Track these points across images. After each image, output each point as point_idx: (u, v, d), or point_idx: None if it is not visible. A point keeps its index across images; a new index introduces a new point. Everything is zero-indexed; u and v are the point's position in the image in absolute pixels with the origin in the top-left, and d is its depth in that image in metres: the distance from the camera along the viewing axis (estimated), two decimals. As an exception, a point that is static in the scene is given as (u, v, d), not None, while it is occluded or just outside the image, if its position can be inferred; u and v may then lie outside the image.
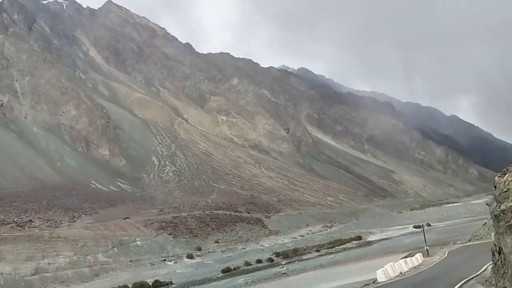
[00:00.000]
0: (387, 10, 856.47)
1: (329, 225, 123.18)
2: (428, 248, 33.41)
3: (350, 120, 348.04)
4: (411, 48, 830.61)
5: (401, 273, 31.85)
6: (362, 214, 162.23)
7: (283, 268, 62.20)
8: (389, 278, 31.17)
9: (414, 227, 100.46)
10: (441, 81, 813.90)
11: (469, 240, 51.86)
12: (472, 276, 26.49)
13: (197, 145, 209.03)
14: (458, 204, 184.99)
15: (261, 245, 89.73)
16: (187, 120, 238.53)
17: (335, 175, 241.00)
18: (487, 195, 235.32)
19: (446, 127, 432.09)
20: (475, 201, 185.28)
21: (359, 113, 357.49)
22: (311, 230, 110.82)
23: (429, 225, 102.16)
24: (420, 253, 30.82)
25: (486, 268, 26.82)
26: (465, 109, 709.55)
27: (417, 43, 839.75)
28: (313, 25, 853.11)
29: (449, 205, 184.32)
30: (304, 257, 70.98)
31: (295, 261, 67.79)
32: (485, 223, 65.73)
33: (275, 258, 70.90)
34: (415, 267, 30.99)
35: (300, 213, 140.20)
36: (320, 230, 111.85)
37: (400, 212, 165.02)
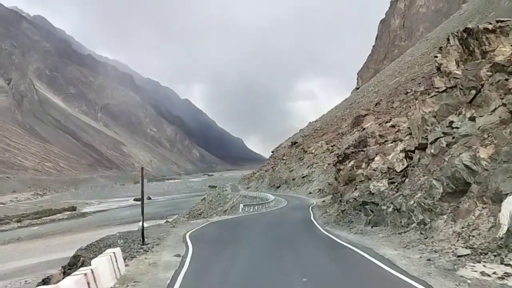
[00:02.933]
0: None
1: (41, 193, 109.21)
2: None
3: (86, 84, 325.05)
4: (161, 31, 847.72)
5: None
6: (83, 183, 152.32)
7: (-36, 242, 49.38)
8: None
9: (135, 200, 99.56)
10: (182, 67, 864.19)
11: (188, 214, 52.87)
12: None
13: None
14: (178, 180, 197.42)
15: None
16: None
17: (59, 140, 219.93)
18: (204, 174, 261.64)
19: (179, 109, 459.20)
20: (193, 179, 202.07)
21: (97, 79, 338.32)
22: (17, 198, 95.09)
23: (149, 198, 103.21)
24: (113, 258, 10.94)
25: None
26: (197, 96, 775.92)
27: (167, 29, 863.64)
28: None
29: (171, 181, 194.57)
30: (-1, 228, 58.86)
31: (-15, 233, 55.33)
32: (204, 198, 69.32)
33: (-44, 230, 56.15)
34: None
35: (8, 177, 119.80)
36: (28, 198, 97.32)
37: (123, 185, 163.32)
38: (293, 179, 52.53)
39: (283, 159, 63.16)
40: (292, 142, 69.30)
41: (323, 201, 34.86)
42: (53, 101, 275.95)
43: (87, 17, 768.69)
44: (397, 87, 59.34)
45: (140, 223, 16.88)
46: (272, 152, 72.82)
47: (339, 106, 72.16)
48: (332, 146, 52.50)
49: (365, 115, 51.75)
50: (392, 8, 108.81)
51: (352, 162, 22.44)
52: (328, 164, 47.99)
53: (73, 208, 78.72)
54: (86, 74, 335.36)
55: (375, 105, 56.89)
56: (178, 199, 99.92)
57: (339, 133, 54.80)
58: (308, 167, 52.06)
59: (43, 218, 67.46)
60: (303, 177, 50.39)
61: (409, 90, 51.23)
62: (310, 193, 45.54)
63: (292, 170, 54.72)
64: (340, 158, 26.47)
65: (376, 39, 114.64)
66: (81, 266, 14.41)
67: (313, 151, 55.46)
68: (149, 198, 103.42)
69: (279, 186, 55.56)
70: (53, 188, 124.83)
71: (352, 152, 24.19)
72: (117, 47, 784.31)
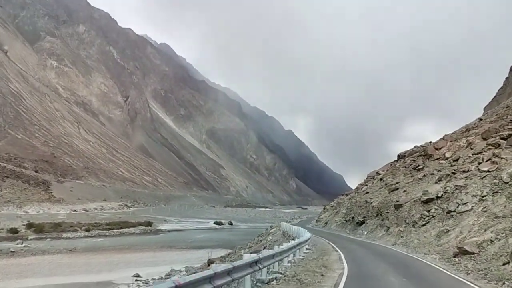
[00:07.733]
0: (260, 26, 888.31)
1: (129, 204, 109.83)
2: None
3: (196, 107, 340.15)
4: (273, 65, 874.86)
5: None
6: (175, 200, 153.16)
7: (22, 244, 46.97)
8: None
9: (215, 223, 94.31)
10: (289, 99, 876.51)
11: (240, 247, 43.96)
12: None
13: (8, 82, 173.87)
14: (269, 209, 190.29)
15: (24, 211, 71.88)
16: (6, 53, 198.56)
17: (163, 157, 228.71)
18: (297, 207, 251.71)
19: (281, 139, 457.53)
20: (285, 210, 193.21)
21: (207, 103, 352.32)
22: (102, 206, 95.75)
23: (230, 223, 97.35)
24: None
25: None
26: (301, 128, 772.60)
27: (279, 63, 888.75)
28: (188, 9, 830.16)
29: (262, 209, 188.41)
30: (64, 235, 56.51)
31: (48, 238, 52.97)
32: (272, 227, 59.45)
33: (24, 230, 54.83)
34: None
35: (104, 185, 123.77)
36: (113, 208, 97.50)
37: (213, 206, 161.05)
38: (398, 207, 25.78)
39: (379, 174, 38.50)
40: (398, 155, 42.63)
41: None
42: (164, 120, 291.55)
43: (208, 48, 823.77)
44: None
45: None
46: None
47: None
48: (503, 139, 26.15)
49: None
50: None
51: None
52: None
53: (149, 224, 75.32)
54: (198, 98, 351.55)
55: None
56: (260, 228, 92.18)
57: (511, 120, 27.90)
58: (439, 180, 25.46)
59: (113, 230, 64.37)
60: (425, 202, 23.32)
61: None
62: (461, 251, 15.83)
63: (395, 189, 28.86)
64: None
65: (511, 70, 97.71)
66: None
67: (448, 155, 29.61)
68: (231, 224, 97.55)
69: (362, 222, 31.17)
70: (144, 201, 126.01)
71: None
72: (230, 76, 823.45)
